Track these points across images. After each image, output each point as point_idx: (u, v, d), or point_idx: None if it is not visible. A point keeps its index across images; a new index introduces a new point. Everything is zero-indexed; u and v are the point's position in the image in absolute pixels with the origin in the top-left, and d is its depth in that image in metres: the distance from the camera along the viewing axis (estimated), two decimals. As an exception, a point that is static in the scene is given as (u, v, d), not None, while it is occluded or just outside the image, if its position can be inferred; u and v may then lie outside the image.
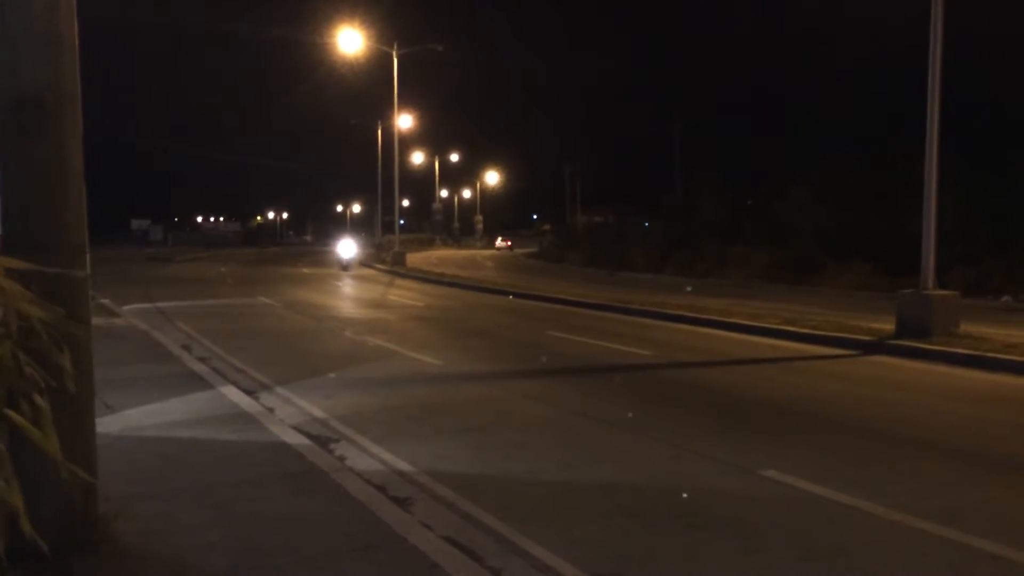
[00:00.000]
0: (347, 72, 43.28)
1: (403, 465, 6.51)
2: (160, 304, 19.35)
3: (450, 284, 28.35)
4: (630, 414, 8.33)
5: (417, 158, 75.52)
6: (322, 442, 7.08)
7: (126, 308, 17.62)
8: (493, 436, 7.50)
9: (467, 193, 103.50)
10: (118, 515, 4.86)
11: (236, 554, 4.50)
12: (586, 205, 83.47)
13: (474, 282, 28.30)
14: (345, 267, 38.34)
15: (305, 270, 39.33)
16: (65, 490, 4.40)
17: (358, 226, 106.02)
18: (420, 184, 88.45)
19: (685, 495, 5.86)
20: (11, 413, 1.88)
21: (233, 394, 8.74)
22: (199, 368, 10.37)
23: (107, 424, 7.19)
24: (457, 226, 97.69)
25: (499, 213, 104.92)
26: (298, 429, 7.44)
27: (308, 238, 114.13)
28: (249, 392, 9.07)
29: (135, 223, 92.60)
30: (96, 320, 15.17)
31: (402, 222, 49.74)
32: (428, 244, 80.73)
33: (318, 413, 8.27)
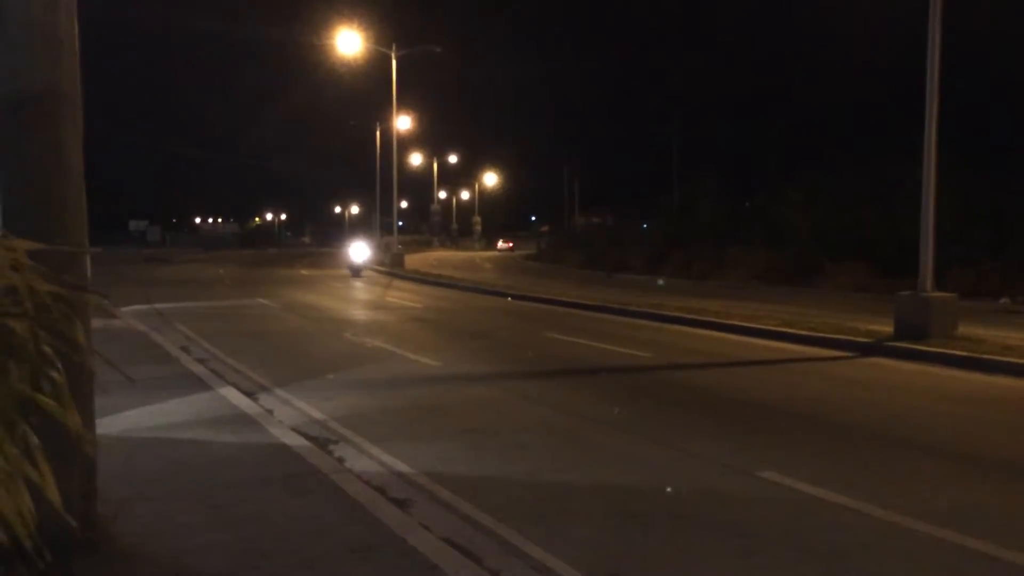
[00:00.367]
0: (346, 73, 43.35)
1: (402, 466, 6.52)
2: (158, 305, 19.34)
3: (448, 285, 28.37)
4: (617, 411, 8.35)
5: (415, 159, 75.55)
6: (321, 443, 7.09)
7: (124, 309, 17.61)
8: (492, 437, 7.51)
9: (465, 194, 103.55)
10: (117, 516, 4.87)
11: (236, 556, 4.51)
12: (584, 207, 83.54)
13: (472, 284, 28.31)
14: (356, 272, 34.86)
15: (304, 271, 39.34)
16: (65, 489, 4.42)
17: (356, 227, 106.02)
18: (418, 185, 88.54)
19: (684, 496, 5.87)
20: (39, 396, 1.89)
21: (232, 395, 8.75)
22: (198, 369, 10.38)
23: (106, 425, 7.18)
24: (455, 227, 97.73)
25: (497, 214, 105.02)
26: (297, 430, 7.45)
27: (306, 239, 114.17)
28: (248, 394, 9.08)
29: (133, 224, 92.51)
30: (94, 321, 15.20)
31: (400, 223, 49.81)
32: (426, 245, 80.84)
33: (317, 415, 8.28)
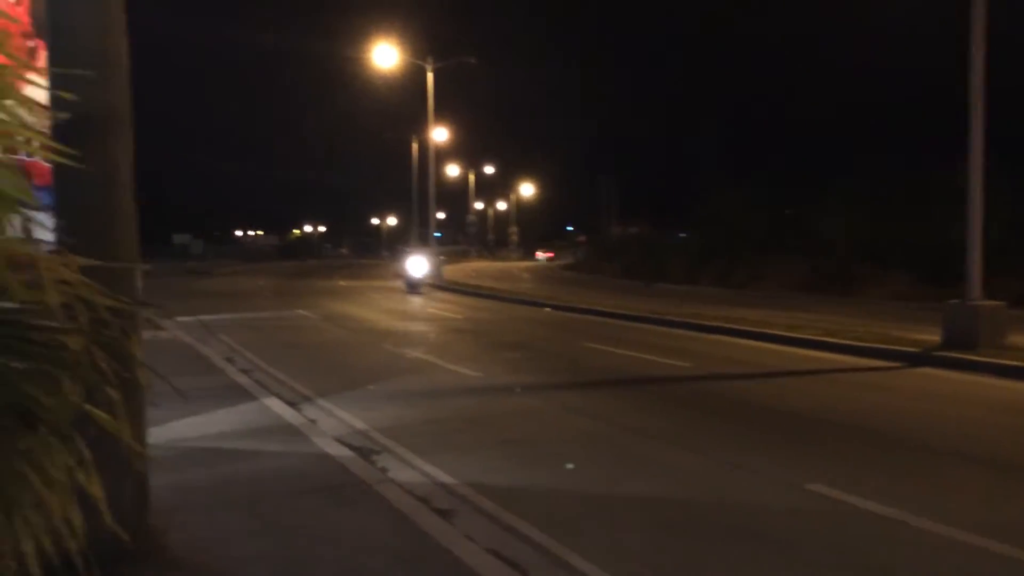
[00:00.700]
0: (383, 86, 43.84)
1: (445, 477, 6.54)
2: (203, 317, 19.64)
3: (487, 296, 28.43)
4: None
5: (452, 171, 75.96)
6: (364, 454, 7.14)
7: (170, 321, 17.91)
8: (534, 448, 7.50)
9: (502, 205, 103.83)
10: (167, 527, 4.95)
11: (282, 566, 4.56)
12: (621, 216, 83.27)
13: (510, 294, 28.35)
14: (414, 287, 30.96)
15: (342, 283, 39.68)
16: (118, 500, 4.50)
17: (393, 239, 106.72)
18: (455, 196, 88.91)
19: (729, 508, 5.81)
20: (95, 411, 1.93)
21: (276, 406, 8.85)
22: (242, 380, 10.52)
23: (154, 435, 7.29)
24: (492, 238, 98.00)
25: (534, 225, 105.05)
26: (340, 441, 7.51)
27: (344, 251, 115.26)
28: (291, 404, 9.18)
29: (176, 237, 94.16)
30: (142, 334, 15.48)
31: (438, 234, 50.06)
32: (464, 256, 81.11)
33: (359, 425, 8.33)
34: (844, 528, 5.42)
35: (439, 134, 47.20)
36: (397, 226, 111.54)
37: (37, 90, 5.60)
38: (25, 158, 6.30)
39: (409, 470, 6.74)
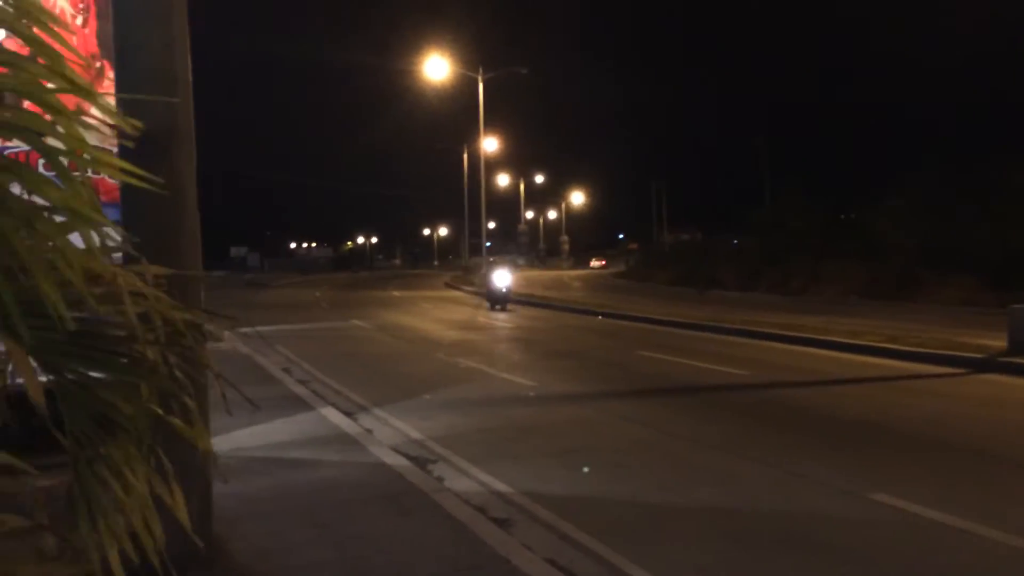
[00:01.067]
0: (434, 97, 44.19)
1: (501, 486, 6.54)
2: (260, 328, 20.00)
3: (538, 305, 28.43)
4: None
5: (502, 180, 76.31)
6: (420, 463, 7.18)
7: (228, 333, 18.28)
8: (589, 457, 7.46)
9: (552, 214, 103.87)
10: (230, 535, 5.05)
11: (343, 575, 4.60)
12: (672, 223, 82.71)
13: (562, 302, 28.31)
14: (500, 303, 26.98)
15: (396, 293, 40.07)
16: (186, 509, 4.61)
17: (445, 249, 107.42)
18: (505, 206, 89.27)
19: (791, 518, 5.71)
20: (173, 419, 1.98)
21: (333, 415, 8.96)
22: (300, 390, 10.68)
23: (216, 444, 7.44)
24: (543, 247, 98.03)
25: (584, 233, 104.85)
26: (397, 450, 7.57)
27: (397, 262, 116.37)
28: (348, 414, 9.28)
29: (233, 250, 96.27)
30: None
31: (488, 244, 50.30)
32: (514, 265, 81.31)
33: (415, 434, 8.39)
34: (910, 538, 5.29)
35: (490, 144, 47.47)
36: (448, 236, 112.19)
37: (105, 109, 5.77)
38: (92, 175, 6.49)
39: (465, 479, 6.76)
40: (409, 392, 10.84)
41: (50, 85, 1.64)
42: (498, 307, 26.86)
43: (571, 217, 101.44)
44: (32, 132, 1.57)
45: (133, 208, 4.50)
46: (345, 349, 16.30)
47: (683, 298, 32.34)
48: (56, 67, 1.58)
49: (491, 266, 30.35)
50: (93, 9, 6.62)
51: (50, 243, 1.70)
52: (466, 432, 8.53)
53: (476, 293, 36.56)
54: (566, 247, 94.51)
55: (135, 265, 1.99)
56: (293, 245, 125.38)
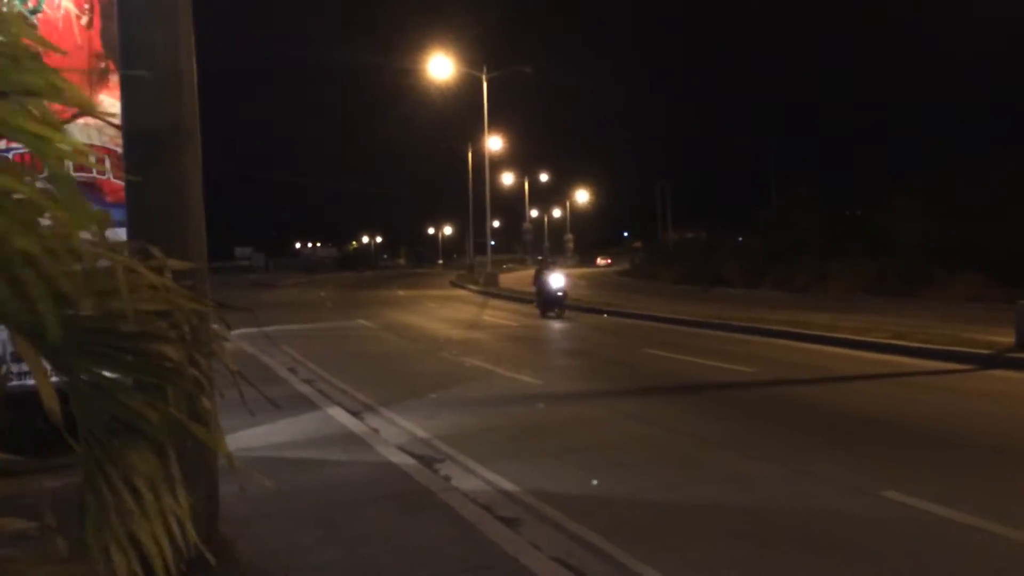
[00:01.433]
0: (438, 97, 44.23)
1: (508, 485, 6.52)
2: (265, 328, 20.00)
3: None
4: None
5: (507, 179, 76.21)
6: (427, 462, 7.17)
7: (234, 332, 18.22)
8: (596, 455, 7.44)
9: (557, 212, 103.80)
10: (236, 536, 5.04)
11: (350, 575, 4.59)
12: (677, 221, 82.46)
13: (567, 301, 28.26)
14: (555, 306, 23.00)
15: (401, 292, 40.08)
16: (193, 511, 4.60)
17: (450, 249, 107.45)
18: (510, 205, 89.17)
19: (800, 516, 5.68)
20: (194, 425, 1.95)
21: (339, 415, 8.95)
22: (305, 390, 10.67)
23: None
24: (548, 245, 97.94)
25: (589, 232, 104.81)
26: (403, 449, 7.55)
27: (402, 261, 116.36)
28: (354, 413, 9.27)
29: (238, 251, 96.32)
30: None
31: (493, 243, 50.25)
32: (520, 264, 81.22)
33: (421, 433, 8.38)
34: (921, 536, 5.25)
35: (494, 143, 47.41)
36: (453, 235, 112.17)
37: (110, 108, 5.80)
38: (99, 176, 6.51)
39: (472, 478, 6.75)
40: (415, 391, 10.82)
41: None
42: (551, 313, 22.69)
43: (576, 215, 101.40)
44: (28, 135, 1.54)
45: (138, 207, 4.49)
46: (351, 349, 16.30)
47: (688, 296, 32.27)
48: (49, 80, 1.55)
49: (543, 266, 24.23)
50: (98, 9, 6.61)
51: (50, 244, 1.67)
52: (472, 431, 8.51)
53: (482, 292, 36.55)
54: (571, 245, 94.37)
55: (150, 256, 1.95)
56: (298, 245, 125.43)
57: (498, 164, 64.54)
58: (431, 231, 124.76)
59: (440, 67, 36.64)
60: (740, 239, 54.84)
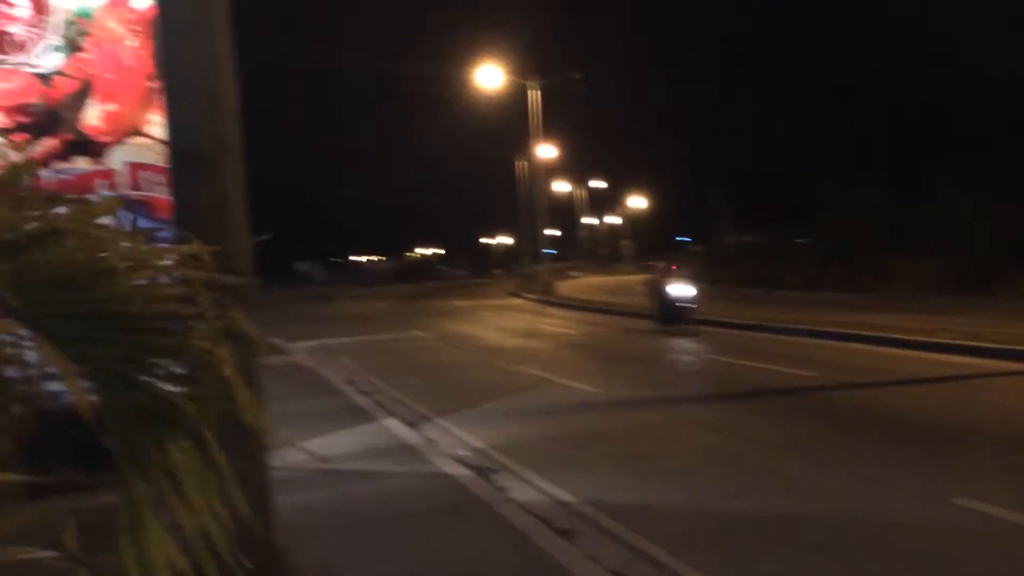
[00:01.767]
0: (490, 106, 44.33)
1: (565, 495, 6.40)
2: (324, 341, 20.22)
3: (601, 310, 28.19)
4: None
5: (561, 186, 76.15)
6: (483, 472, 7.09)
7: (293, 346, 18.51)
8: (657, 464, 7.27)
9: (612, 219, 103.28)
10: (293, 548, 5.01)
11: (405, 587, 4.53)
12: (736, 224, 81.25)
13: (626, 308, 27.98)
14: (676, 321, 19.06)
15: (457, 303, 40.20)
16: (247, 520, 4.59)
17: (506, 258, 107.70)
18: (564, 212, 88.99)
19: (871, 526, 5.44)
20: (235, 405, 1.88)
21: (395, 426, 8.94)
22: (362, 401, 10.69)
23: (283, 456, 7.50)
24: (604, 252, 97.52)
25: (646, 237, 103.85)
26: (459, 460, 7.49)
27: (459, 272, 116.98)
28: (410, 424, 9.25)
29: (299, 265, 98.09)
30: (268, 359, 16.03)
31: (550, 251, 50.19)
32: (575, 271, 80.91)
33: (477, 443, 8.30)
34: (997, 545, 4.98)
35: (546, 151, 47.36)
36: (509, 244, 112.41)
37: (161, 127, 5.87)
38: (151, 194, 6.58)
39: (528, 489, 6.64)
40: (471, 401, 10.77)
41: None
42: (675, 328, 18.74)
43: (632, 221, 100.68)
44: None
45: (183, 224, 4.50)
46: (407, 360, 16.34)
47: (749, 299, 31.67)
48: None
49: (658, 272, 20.46)
50: (148, 29, 6.72)
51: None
52: (529, 440, 8.41)
53: (538, 300, 36.46)
54: (628, 251, 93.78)
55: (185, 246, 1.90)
56: (357, 258, 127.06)
57: (552, 172, 64.47)
58: (487, 241, 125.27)
59: (489, 77, 36.78)
60: (801, 241, 53.75)
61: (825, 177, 54.71)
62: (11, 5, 6.61)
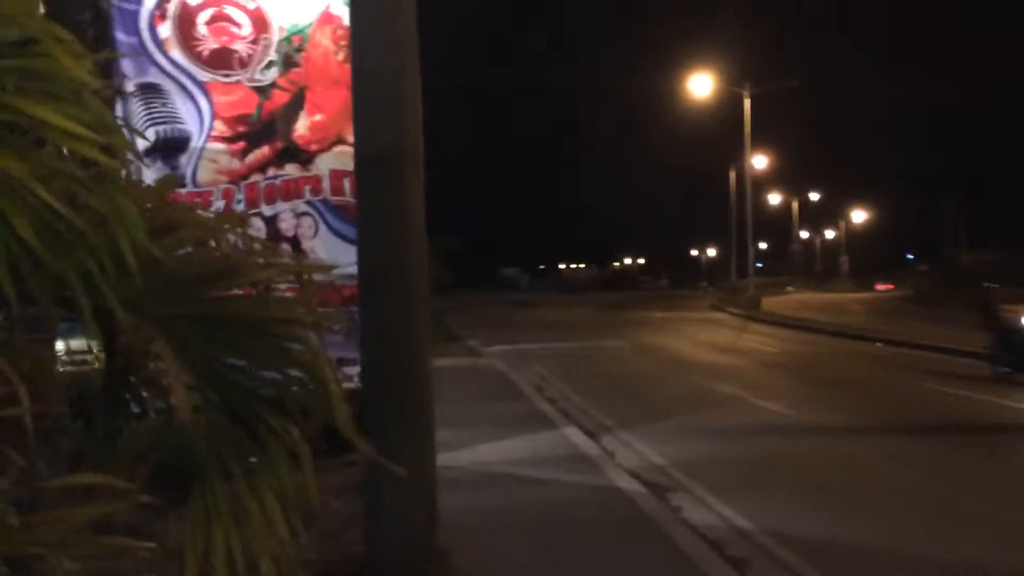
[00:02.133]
0: (698, 115, 43.45)
1: (743, 522, 6.08)
2: (520, 346, 20.60)
3: (809, 329, 26.70)
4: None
5: (774, 199, 73.14)
6: (658, 490, 6.89)
7: (490, 349, 19.02)
8: (848, 498, 6.74)
9: (830, 233, 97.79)
10: (455, 547, 5.09)
11: (559, 600, 4.46)
12: (972, 243, 74.30)
13: (836, 327, 26.33)
14: None
15: (658, 314, 39.60)
16: (409, 519, 4.72)
17: (713, 271, 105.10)
18: (777, 225, 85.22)
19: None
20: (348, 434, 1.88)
21: (574, 435, 8.90)
22: (546, 408, 10.75)
23: (459, 457, 7.69)
24: (819, 268, 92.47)
25: (866, 254, 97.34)
26: (634, 475, 7.32)
27: (664, 282, 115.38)
28: (591, 434, 9.18)
29: (505, 271, 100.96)
30: (463, 360, 16.58)
31: (759, 265, 48.32)
32: (787, 287, 77.36)
33: (657, 459, 8.09)
34: None
35: (758, 161, 45.69)
36: (716, 257, 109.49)
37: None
38: (350, 200, 6.98)
39: (704, 511, 6.37)
40: (657, 415, 10.52)
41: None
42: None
43: (851, 236, 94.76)
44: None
45: (365, 227, 4.71)
46: (598, 368, 16.28)
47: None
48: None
49: (1001, 299, 15.30)
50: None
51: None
52: (712, 460, 8.09)
53: (743, 315, 35.17)
54: (845, 268, 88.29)
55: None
56: (562, 266, 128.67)
57: (764, 183, 62.11)
58: (694, 253, 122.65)
59: (700, 85, 35.98)
60: (1048, 261, 48.22)
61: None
62: (237, 25, 7.25)
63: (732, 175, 51.83)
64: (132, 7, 6.93)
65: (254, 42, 7.23)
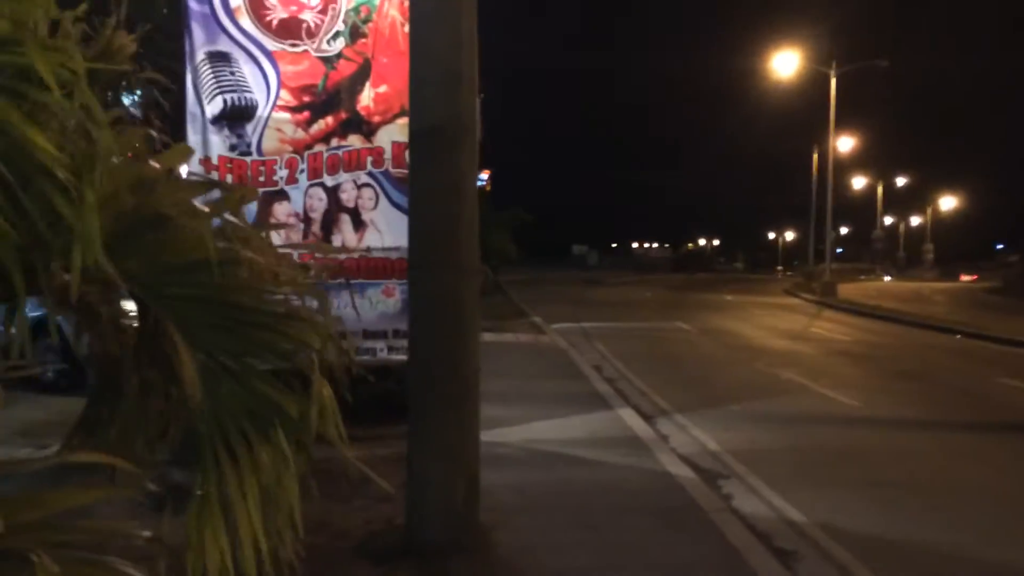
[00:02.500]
0: (781, 95, 42.26)
1: (794, 514, 5.94)
2: (584, 324, 20.48)
3: (885, 318, 25.87)
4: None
5: (858, 182, 70.87)
6: (710, 477, 6.77)
7: (553, 327, 18.96)
8: (909, 495, 6.52)
9: (915, 220, 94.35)
10: (497, 524, 5.10)
11: (598, 583, 4.43)
12: (1068, 232, 70.75)
13: (915, 317, 25.45)
14: None
15: (728, 297, 38.91)
16: (450, 494, 4.73)
17: (790, 255, 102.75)
18: (860, 210, 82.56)
19: None
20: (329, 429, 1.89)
21: (630, 417, 8.80)
22: (603, 388, 10.66)
23: (511, 434, 7.70)
24: (902, 255, 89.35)
25: (953, 242, 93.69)
26: (687, 460, 7.21)
27: (738, 265, 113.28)
28: (647, 417, 9.07)
29: (575, 248, 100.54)
30: (526, 337, 16.59)
31: (839, 250, 46.88)
32: (867, 274, 75.05)
33: (712, 446, 7.95)
34: None
35: (842, 143, 44.28)
36: (794, 241, 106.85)
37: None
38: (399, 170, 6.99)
39: (755, 501, 6.24)
40: (716, 400, 10.34)
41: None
42: None
43: (938, 223, 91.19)
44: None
45: (416, 200, 4.71)
46: (660, 351, 16.08)
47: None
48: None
49: None
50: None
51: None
52: (769, 449, 7.91)
53: (817, 302, 34.29)
54: (930, 256, 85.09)
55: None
56: (635, 245, 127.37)
57: (848, 166, 60.23)
58: (771, 236, 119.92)
59: (785, 64, 34.92)
60: None
61: None
62: (306, -6, 7.29)
63: (815, 157, 50.32)
64: (204, -24, 7.03)
65: (322, 12, 7.26)
